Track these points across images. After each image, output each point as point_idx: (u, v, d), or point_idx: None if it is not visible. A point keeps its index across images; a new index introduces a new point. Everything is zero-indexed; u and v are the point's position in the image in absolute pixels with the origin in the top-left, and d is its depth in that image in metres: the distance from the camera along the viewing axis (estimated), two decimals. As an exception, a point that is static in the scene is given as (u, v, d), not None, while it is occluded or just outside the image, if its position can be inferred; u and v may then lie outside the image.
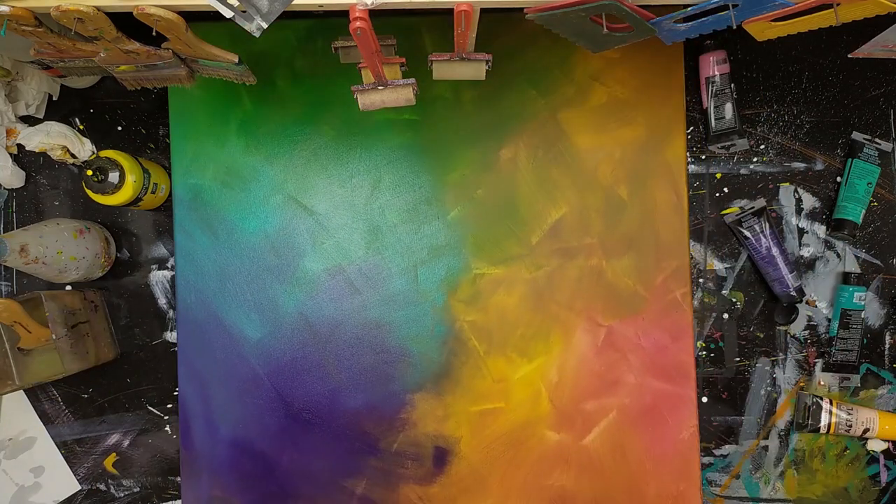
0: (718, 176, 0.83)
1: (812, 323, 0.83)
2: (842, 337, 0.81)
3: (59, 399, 0.84)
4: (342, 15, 0.53)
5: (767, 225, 0.80)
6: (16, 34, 0.54)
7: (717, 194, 0.83)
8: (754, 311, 0.83)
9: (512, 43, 0.78)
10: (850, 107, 0.83)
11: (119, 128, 0.84)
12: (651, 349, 0.78)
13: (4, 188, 0.83)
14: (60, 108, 0.83)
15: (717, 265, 0.83)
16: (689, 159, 0.82)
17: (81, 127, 0.84)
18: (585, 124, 0.78)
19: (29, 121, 0.83)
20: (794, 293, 0.80)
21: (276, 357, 0.79)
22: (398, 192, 0.79)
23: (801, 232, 0.83)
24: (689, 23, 0.54)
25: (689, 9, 0.52)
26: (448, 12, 0.55)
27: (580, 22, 0.54)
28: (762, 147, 0.83)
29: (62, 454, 0.84)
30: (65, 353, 0.74)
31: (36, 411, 0.84)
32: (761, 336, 0.83)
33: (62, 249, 0.74)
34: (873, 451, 0.83)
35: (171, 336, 0.84)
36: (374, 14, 0.51)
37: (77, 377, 0.82)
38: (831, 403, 0.80)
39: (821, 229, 0.83)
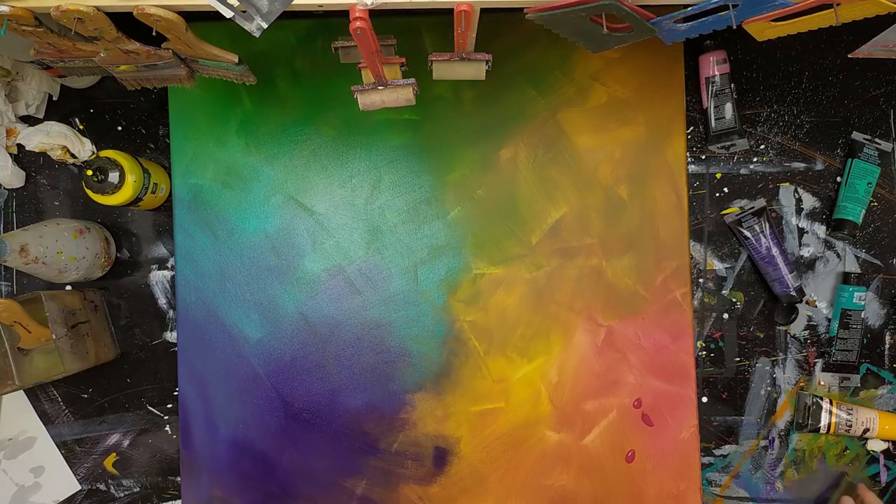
0: (718, 176, 0.83)
1: (812, 323, 0.83)
2: (842, 337, 0.81)
3: (59, 399, 0.84)
4: (342, 15, 0.53)
5: (767, 225, 0.80)
6: (16, 34, 0.54)
7: (717, 194, 0.83)
8: (754, 311, 0.83)
9: (512, 43, 0.78)
10: (850, 107, 0.83)
11: (119, 128, 0.84)
12: (651, 349, 0.78)
13: (4, 188, 0.83)
14: (60, 108, 0.83)
15: (717, 265, 0.83)
16: (689, 159, 0.82)
17: (81, 127, 0.84)
18: (585, 124, 0.78)
19: (29, 121, 0.82)
20: (794, 293, 0.80)
21: (276, 357, 0.79)
22: (398, 192, 0.79)
23: (801, 232, 0.83)
24: (689, 23, 0.54)
25: (689, 9, 0.52)
26: (448, 12, 0.54)
27: (580, 22, 0.54)
28: (762, 147, 0.83)
29: (62, 454, 0.84)
30: (65, 353, 0.74)
31: (36, 411, 0.84)
32: (761, 336, 0.83)
33: (62, 249, 0.74)
34: (873, 451, 0.83)
35: (171, 336, 0.84)
36: (374, 14, 0.51)
37: (77, 377, 0.82)
38: (831, 403, 0.80)
39: (821, 229, 0.83)
